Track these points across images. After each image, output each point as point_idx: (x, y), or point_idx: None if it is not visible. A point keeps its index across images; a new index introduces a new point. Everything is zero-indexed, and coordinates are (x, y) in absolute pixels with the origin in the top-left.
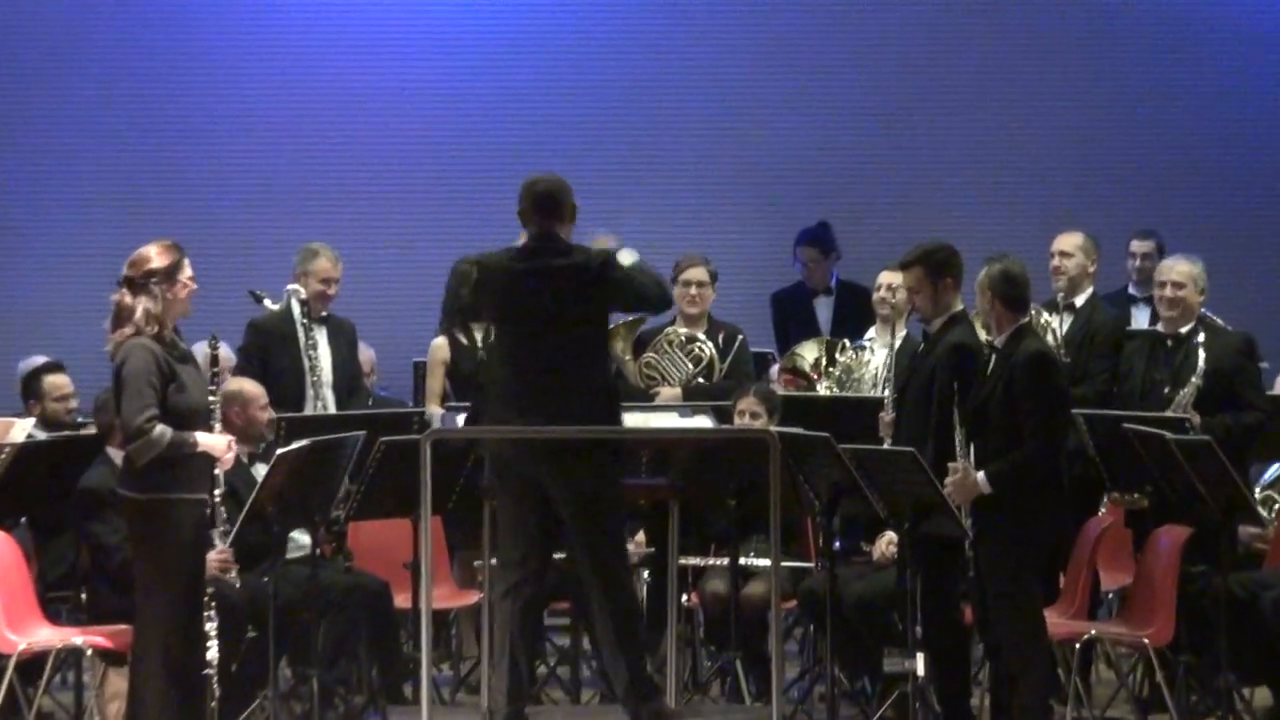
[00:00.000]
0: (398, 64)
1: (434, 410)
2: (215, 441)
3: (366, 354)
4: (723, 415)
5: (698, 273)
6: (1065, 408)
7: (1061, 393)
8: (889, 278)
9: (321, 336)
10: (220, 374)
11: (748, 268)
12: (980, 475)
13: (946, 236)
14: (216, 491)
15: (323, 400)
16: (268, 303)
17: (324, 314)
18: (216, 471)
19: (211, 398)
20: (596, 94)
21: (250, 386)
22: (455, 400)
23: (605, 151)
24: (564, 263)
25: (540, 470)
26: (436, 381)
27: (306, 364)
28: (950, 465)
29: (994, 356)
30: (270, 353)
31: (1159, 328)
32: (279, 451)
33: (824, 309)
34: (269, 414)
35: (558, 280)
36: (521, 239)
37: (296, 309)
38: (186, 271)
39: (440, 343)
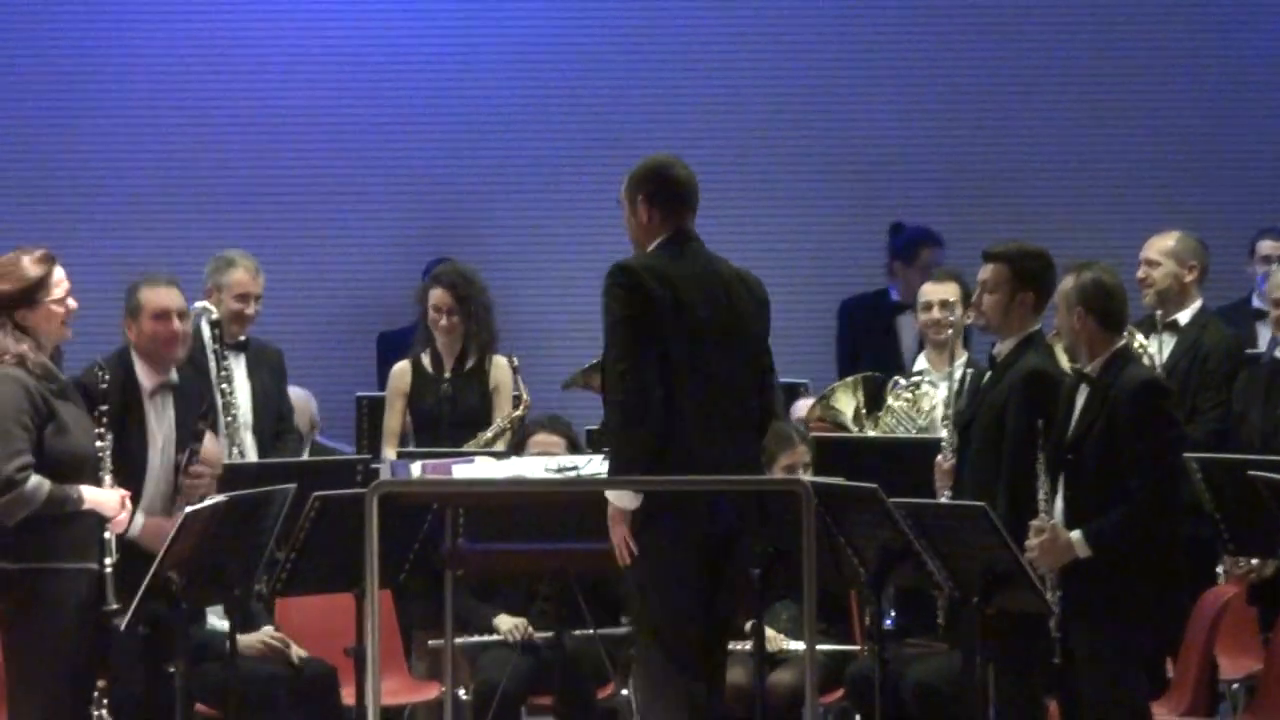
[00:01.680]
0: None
1: (388, 455)
2: (105, 497)
3: (305, 403)
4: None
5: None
6: (1181, 451)
7: (1178, 432)
8: (937, 291)
9: (239, 366)
10: (108, 412)
11: (803, 269)
12: (1074, 536)
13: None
14: (108, 560)
15: (240, 445)
16: None
17: (241, 338)
18: (108, 535)
19: (100, 442)
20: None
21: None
22: (415, 443)
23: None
24: (727, 268)
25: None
26: (396, 418)
27: (219, 400)
28: (1033, 524)
29: (1085, 388)
30: None
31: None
32: (186, 510)
33: (909, 329)
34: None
35: (736, 287)
36: None
37: (206, 332)
38: (58, 289)
39: (402, 369)
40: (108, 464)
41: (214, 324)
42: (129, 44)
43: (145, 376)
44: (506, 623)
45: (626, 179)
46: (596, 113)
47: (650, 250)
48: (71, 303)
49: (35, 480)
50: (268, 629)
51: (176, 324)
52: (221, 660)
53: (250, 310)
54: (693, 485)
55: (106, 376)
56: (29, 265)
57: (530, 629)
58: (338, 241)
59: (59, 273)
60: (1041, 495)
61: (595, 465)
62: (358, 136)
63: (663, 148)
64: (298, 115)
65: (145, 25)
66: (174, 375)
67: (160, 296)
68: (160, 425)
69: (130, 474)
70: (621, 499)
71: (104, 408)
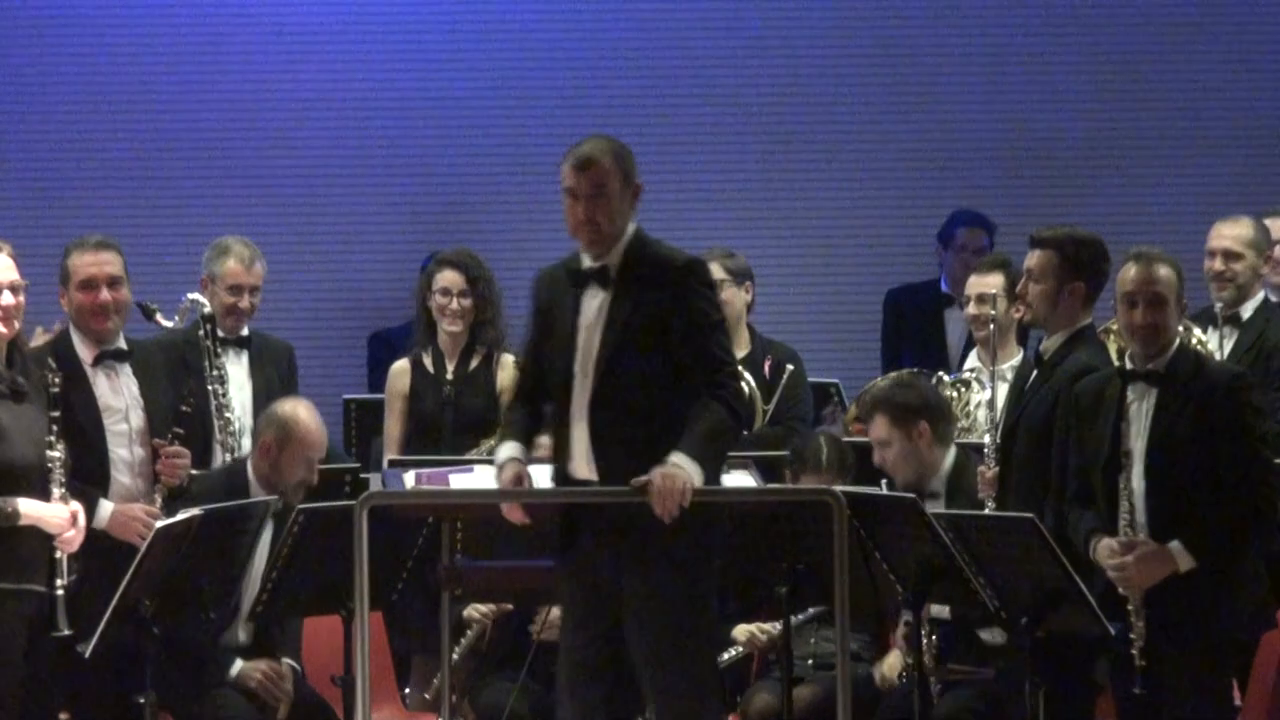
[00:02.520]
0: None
1: (388, 458)
2: (48, 513)
3: None
4: (768, 470)
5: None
6: (1274, 447)
7: (1270, 427)
8: (979, 283)
9: (238, 364)
10: (59, 419)
11: (850, 257)
12: (1174, 546)
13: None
14: (60, 581)
15: (235, 453)
16: (160, 318)
17: (243, 333)
18: (58, 554)
19: (51, 451)
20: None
21: (312, 427)
22: (415, 449)
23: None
24: None
25: None
26: (396, 423)
27: (212, 403)
28: (1117, 541)
29: (1147, 388)
30: None
31: None
32: (157, 525)
33: (956, 324)
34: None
35: None
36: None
37: (202, 327)
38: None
39: (401, 369)
40: (58, 475)
41: (206, 318)
42: (129, 25)
43: (82, 347)
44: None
45: (609, 155)
46: (617, 100)
47: (649, 238)
48: (8, 298)
49: None
50: (287, 661)
51: (105, 294)
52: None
53: (245, 303)
54: (724, 497)
55: (57, 379)
56: None
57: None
58: (326, 232)
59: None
60: (1124, 507)
61: None
62: (351, 123)
63: (695, 136)
64: (287, 102)
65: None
66: (121, 342)
67: (86, 263)
68: (116, 397)
69: (85, 452)
70: (699, 476)
71: (54, 414)
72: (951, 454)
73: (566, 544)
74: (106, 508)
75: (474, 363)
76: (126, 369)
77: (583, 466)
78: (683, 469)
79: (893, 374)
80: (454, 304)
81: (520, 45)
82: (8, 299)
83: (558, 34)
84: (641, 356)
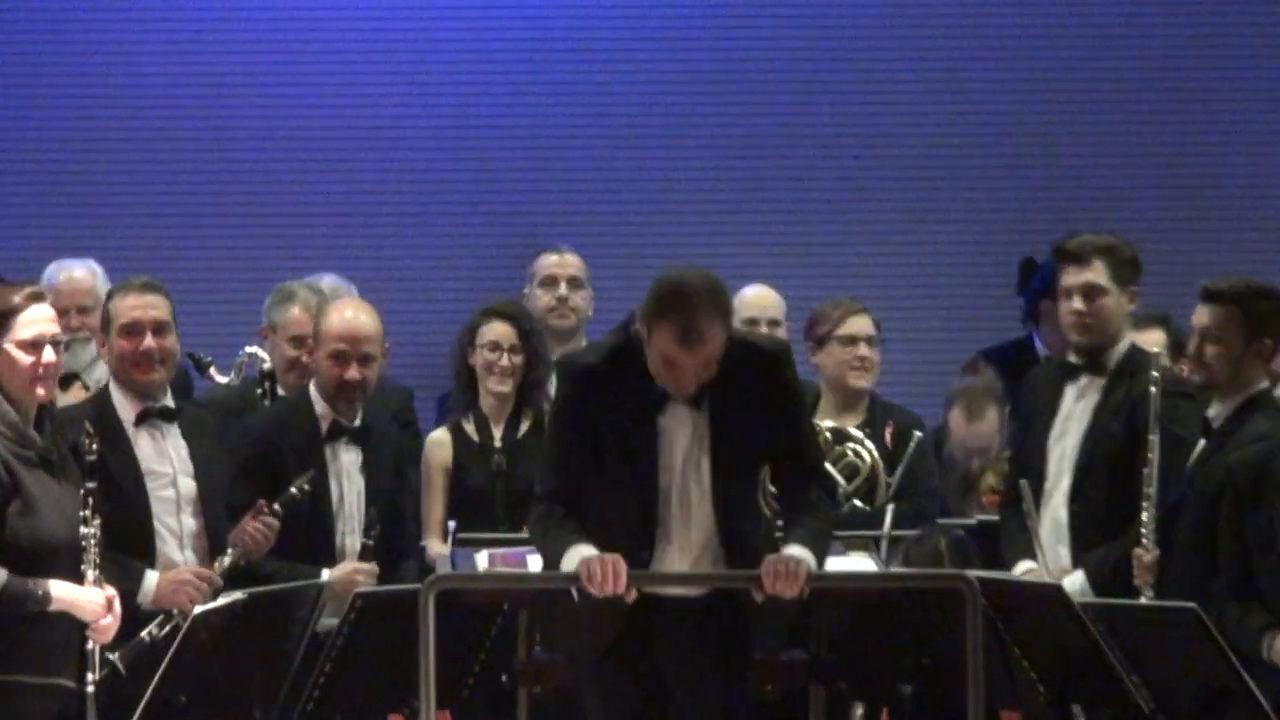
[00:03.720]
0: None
1: (435, 547)
2: (83, 597)
3: None
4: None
5: (863, 324)
6: None
7: None
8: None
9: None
10: (94, 491)
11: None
12: None
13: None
14: (91, 676)
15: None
16: (214, 373)
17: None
18: (90, 645)
19: (86, 527)
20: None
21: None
22: (461, 528)
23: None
24: None
25: None
26: (438, 503)
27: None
28: None
29: None
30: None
31: None
32: (195, 610)
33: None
34: None
35: None
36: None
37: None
38: (25, 329)
39: (440, 440)
40: (92, 555)
41: (265, 375)
42: (170, 47)
43: (124, 404)
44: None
45: (717, 324)
46: (710, 132)
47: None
48: (48, 354)
49: None
50: None
51: (150, 340)
52: None
53: (310, 359)
54: (844, 582)
55: (93, 443)
56: (8, 291)
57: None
58: (392, 271)
59: (37, 312)
60: None
61: None
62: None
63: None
64: (358, 131)
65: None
66: (168, 399)
67: (129, 306)
68: (162, 460)
69: (126, 522)
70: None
71: (90, 485)
72: None
73: (627, 645)
74: (151, 579)
75: (524, 428)
76: (174, 430)
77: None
78: (802, 558)
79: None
80: (504, 360)
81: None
82: (48, 355)
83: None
84: (752, 469)
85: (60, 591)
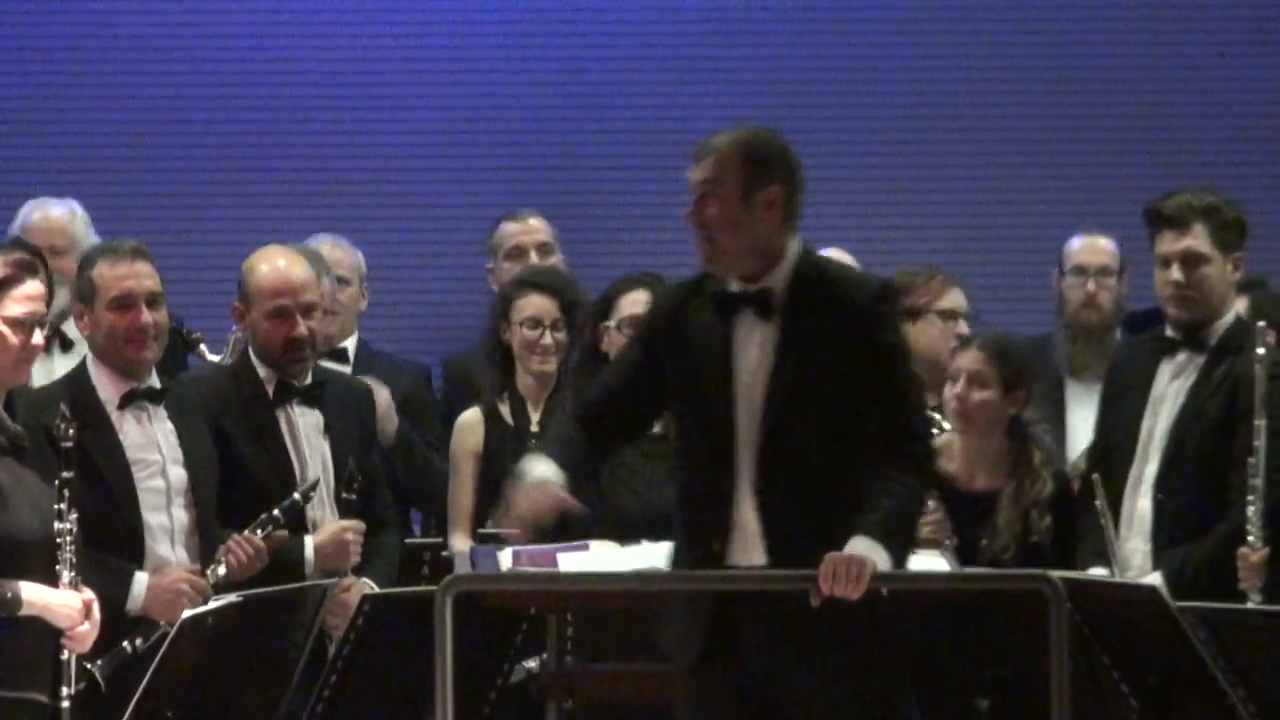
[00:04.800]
0: None
1: (461, 543)
2: (58, 600)
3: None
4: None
5: (961, 298)
6: None
7: None
8: None
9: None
10: (70, 482)
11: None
12: None
13: None
14: (66, 690)
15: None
16: (204, 350)
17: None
18: (65, 655)
19: (61, 522)
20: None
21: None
22: (492, 522)
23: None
24: None
25: None
26: (467, 492)
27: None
28: None
29: None
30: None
31: None
32: (185, 615)
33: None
34: None
35: None
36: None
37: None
38: (11, 305)
39: (471, 422)
40: (68, 553)
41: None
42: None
43: (106, 385)
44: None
45: (728, 153)
46: (746, 90)
47: (820, 256)
48: (37, 337)
49: None
50: None
51: (145, 314)
52: None
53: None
54: (910, 583)
55: (70, 429)
56: None
57: None
58: (385, 234)
59: (31, 287)
60: None
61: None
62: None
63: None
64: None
65: None
66: (154, 379)
67: (119, 275)
68: (149, 447)
69: (111, 517)
70: (885, 563)
71: (66, 475)
72: None
73: (713, 646)
74: (140, 583)
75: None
76: (161, 412)
77: (748, 551)
78: (865, 558)
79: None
80: (546, 338)
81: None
82: (37, 337)
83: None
84: (821, 407)
85: (32, 594)
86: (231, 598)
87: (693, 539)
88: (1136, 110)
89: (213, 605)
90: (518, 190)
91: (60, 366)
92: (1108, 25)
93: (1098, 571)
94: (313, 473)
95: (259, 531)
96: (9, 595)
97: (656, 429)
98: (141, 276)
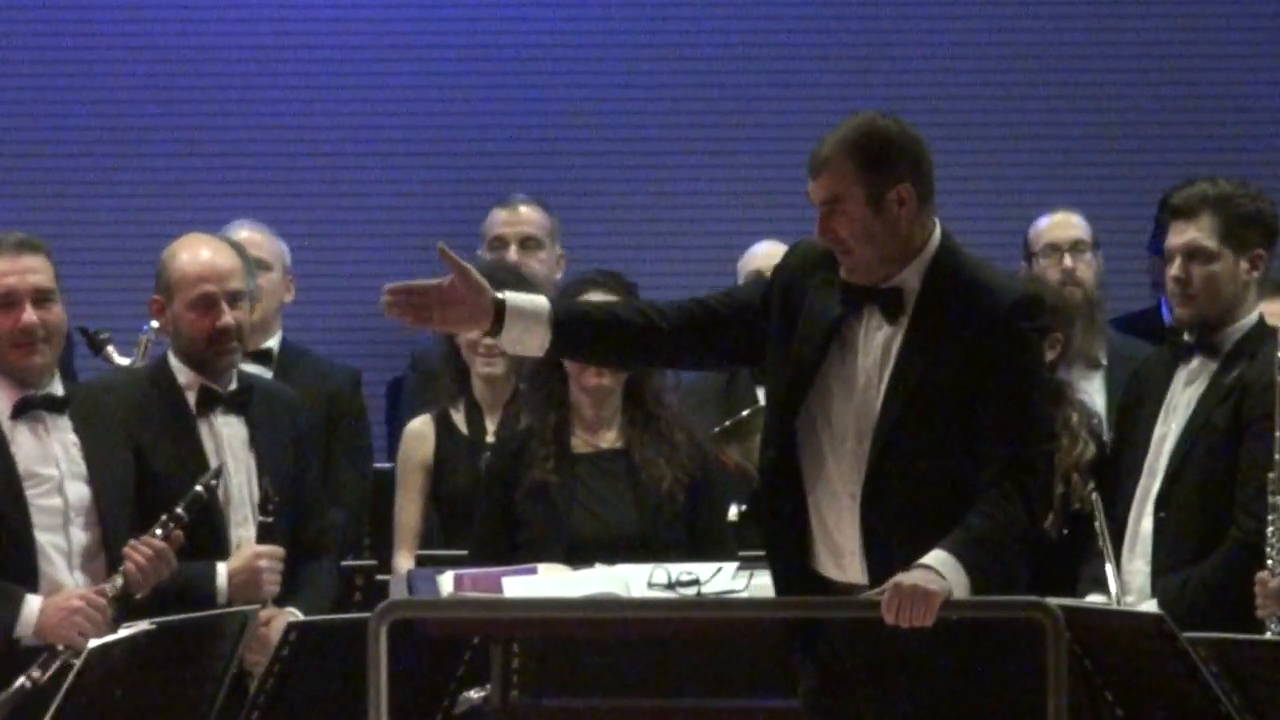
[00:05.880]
0: None
1: (405, 563)
2: None
3: None
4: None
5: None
6: None
7: None
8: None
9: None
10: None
11: None
12: None
13: None
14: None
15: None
16: (112, 352)
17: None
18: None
19: None
20: None
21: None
22: (440, 543)
23: None
24: None
25: None
26: (413, 507)
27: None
28: None
29: None
30: None
31: None
32: (92, 645)
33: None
34: None
35: None
36: None
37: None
38: None
39: (420, 431)
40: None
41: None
42: None
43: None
44: None
45: (843, 162)
46: (756, 59)
47: (961, 251)
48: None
49: None
50: None
51: (29, 313)
52: None
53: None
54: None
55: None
56: None
57: None
58: (331, 224)
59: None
60: None
61: (727, 577)
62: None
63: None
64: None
65: None
66: (55, 385)
67: (2, 271)
68: (45, 462)
69: (1, 538)
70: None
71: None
72: None
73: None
74: (32, 605)
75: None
76: (63, 422)
77: (841, 564)
78: (940, 577)
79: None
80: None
81: None
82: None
83: None
84: (939, 423)
85: None
86: (143, 625)
87: (780, 549)
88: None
89: (122, 634)
90: (465, 177)
91: None
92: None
93: (1098, 598)
94: (237, 491)
95: (158, 532)
96: None
97: (616, 444)
98: (27, 271)
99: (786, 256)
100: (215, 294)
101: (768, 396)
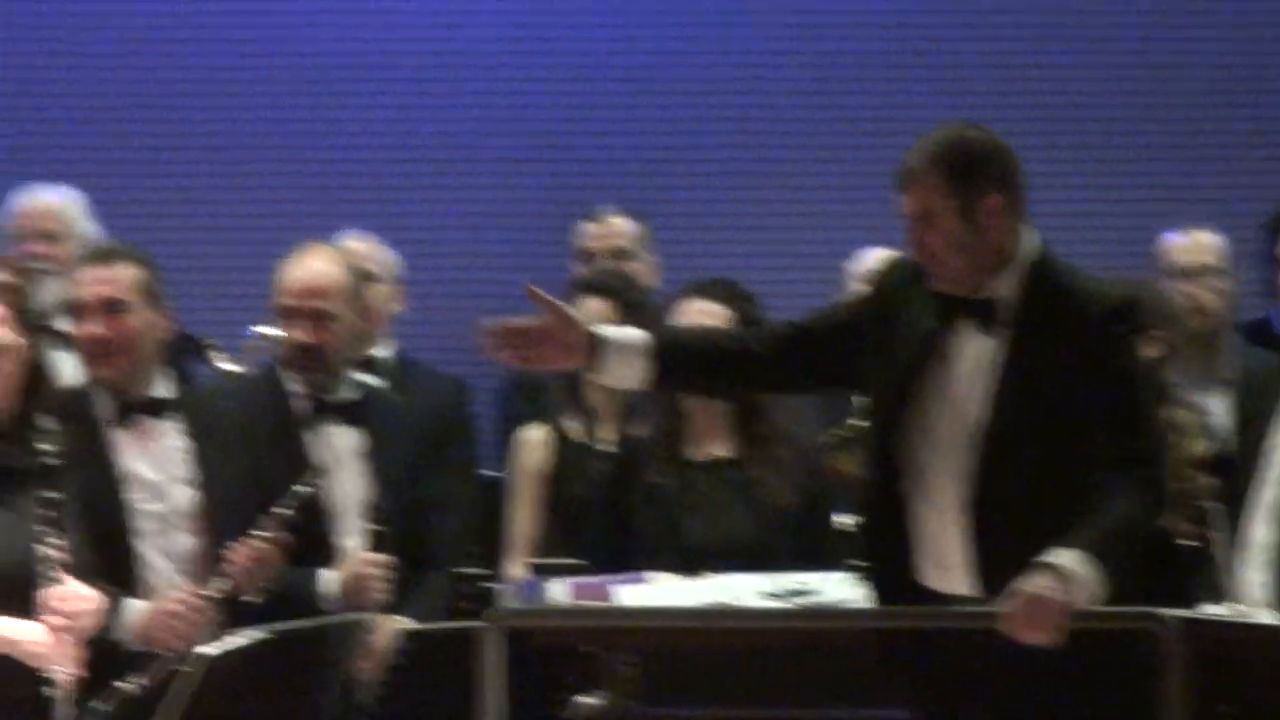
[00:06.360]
0: None
1: (516, 572)
2: (25, 633)
3: None
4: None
5: None
6: None
7: None
8: None
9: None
10: (61, 504)
11: None
12: None
13: None
14: None
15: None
16: (216, 358)
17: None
18: (50, 690)
19: (52, 546)
20: None
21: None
22: (557, 550)
23: None
24: None
25: None
26: (528, 516)
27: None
28: None
29: None
30: None
31: None
32: (208, 651)
33: None
34: None
35: None
36: None
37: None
38: None
39: (535, 440)
40: (50, 578)
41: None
42: None
43: (100, 398)
44: None
45: (933, 175)
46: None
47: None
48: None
49: None
50: None
51: (92, 325)
52: None
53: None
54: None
55: (52, 445)
56: None
57: None
58: (443, 231)
59: None
60: None
61: (836, 585)
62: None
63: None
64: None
65: None
66: (159, 389)
67: (78, 282)
68: (148, 466)
69: (101, 544)
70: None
71: (51, 495)
72: None
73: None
74: (133, 610)
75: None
76: (168, 427)
77: (946, 576)
78: (1072, 577)
79: None
80: None
81: None
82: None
83: None
84: (1043, 432)
85: None
86: (258, 632)
87: (881, 561)
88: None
89: (239, 640)
90: (567, 187)
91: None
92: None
93: (1214, 609)
94: (345, 500)
95: (261, 533)
96: None
97: (729, 453)
98: (101, 282)
99: (878, 273)
100: (294, 308)
101: (868, 411)
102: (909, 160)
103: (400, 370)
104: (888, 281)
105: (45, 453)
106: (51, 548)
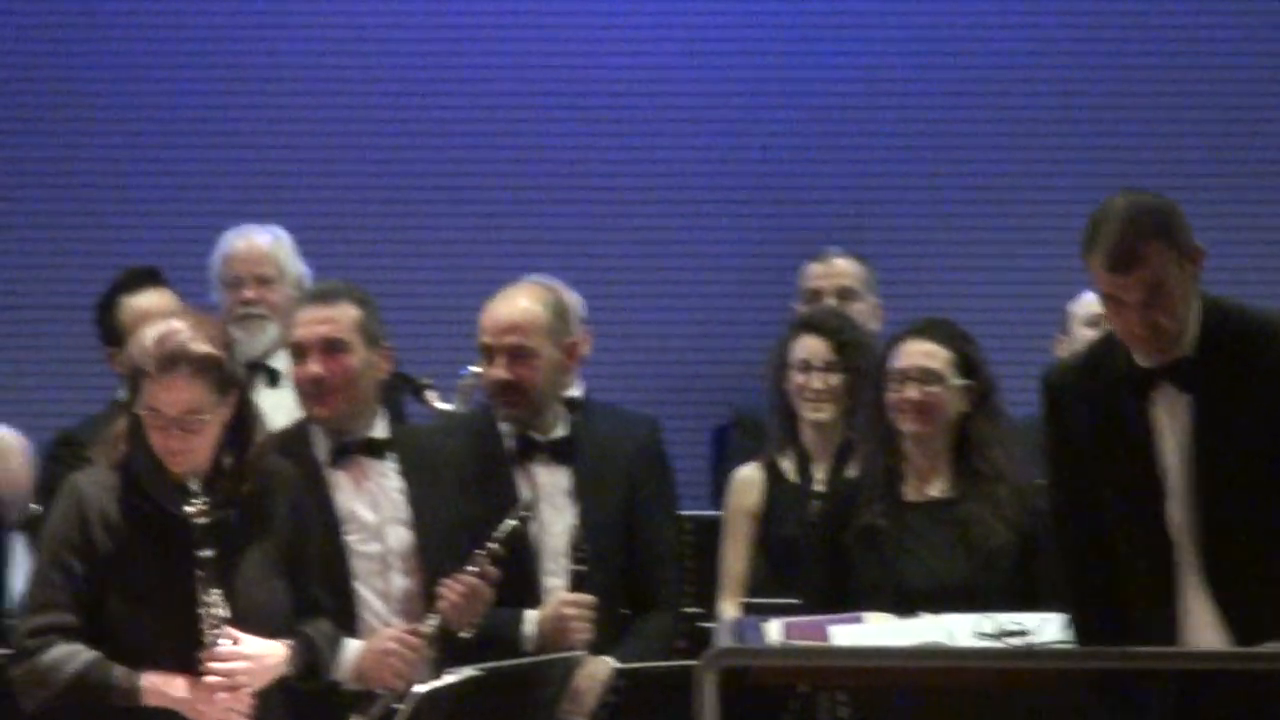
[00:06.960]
0: None
1: (731, 611)
2: (173, 688)
3: None
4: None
5: None
6: None
7: None
8: None
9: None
10: (208, 562)
11: None
12: None
13: None
14: None
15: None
16: (431, 398)
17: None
18: None
19: (213, 603)
20: None
21: None
22: (768, 590)
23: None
24: None
25: None
26: (740, 555)
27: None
28: None
29: None
30: None
31: None
32: (421, 689)
33: None
34: None
35: None
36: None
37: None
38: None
39: (748, 479)
40: (213, 633)
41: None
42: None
43: (318, 439)
44: None
45: (1158, 254)
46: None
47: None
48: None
49: (58, 653)
50: None
51: (310, 366)
52: None
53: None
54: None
55: (201, 500)
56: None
57: None
58: (638, 273)
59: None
60: None
61: (1055, 627)
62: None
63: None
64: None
65: None
66: (376, 429)
67: (296, 322)
68: (365, 506)
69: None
70: None
71: (205, 554)
72: None
73: None
74: (351, 649)
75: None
76: (385, 466)
77: (1205, 639)
78: None
79: None
80: (816, 381)
81: None
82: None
83: None
84: (1260, 481)
85: (151, 685)
86: (470, 670)
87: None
88: None
89: (452, 679)
90: (774, 226)
91: (268, 402)
92: None
93: None
94: (552, 540)
95: (471, 568)
96: (126, 684)
97: (946, 494)
98: (318, 322)
99: (1044, 394)
100: (489, 345)
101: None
102: (1121, 242)
103: (588, 410)
104: (1057, 392)
105: (199, 513)
106: (211, 606)
